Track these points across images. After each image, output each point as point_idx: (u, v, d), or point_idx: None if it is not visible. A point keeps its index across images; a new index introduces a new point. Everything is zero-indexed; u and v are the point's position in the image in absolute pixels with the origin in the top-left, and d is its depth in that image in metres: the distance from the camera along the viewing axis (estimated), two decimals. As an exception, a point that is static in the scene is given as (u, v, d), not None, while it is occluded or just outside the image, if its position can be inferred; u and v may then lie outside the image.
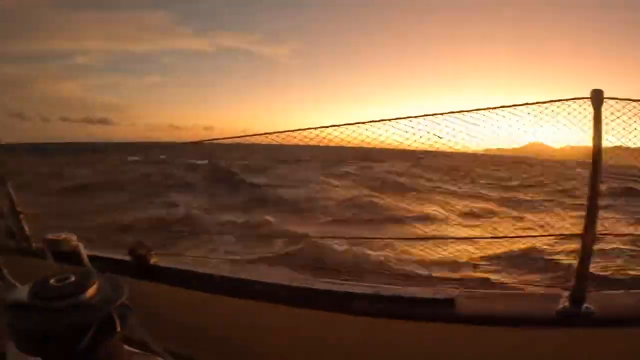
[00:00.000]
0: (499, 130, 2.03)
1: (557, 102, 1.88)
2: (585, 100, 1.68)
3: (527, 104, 2.00)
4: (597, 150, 1.73)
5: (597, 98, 1.68)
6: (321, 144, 2.22)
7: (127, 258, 2.46)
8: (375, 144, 2.18)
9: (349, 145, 2.19)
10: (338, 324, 1.97)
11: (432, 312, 1.87)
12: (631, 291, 1.81)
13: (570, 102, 1.74)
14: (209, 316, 2.23)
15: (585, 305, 1.64)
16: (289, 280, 2.21)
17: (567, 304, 1.65)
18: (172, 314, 2.20)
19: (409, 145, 2.16)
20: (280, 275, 2.52)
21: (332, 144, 2.22)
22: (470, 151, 2.43)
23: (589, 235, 1.65)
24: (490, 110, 2.09)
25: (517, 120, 2.06)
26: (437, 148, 2.23)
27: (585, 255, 1.68)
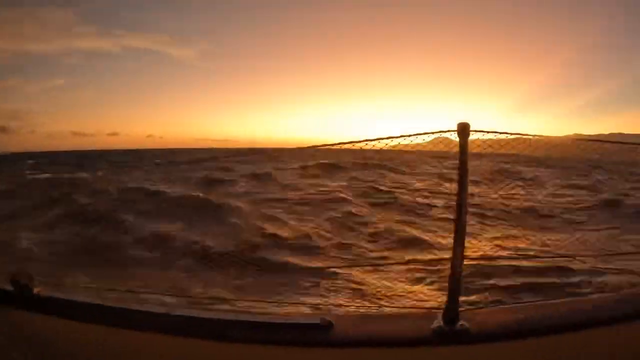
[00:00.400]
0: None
1: (430, 134, 2.00)
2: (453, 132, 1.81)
3: (402, 135, 2.07)
4: (463, 178, 1.79)
5: (463, 132, 1.80)
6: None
7: (9, 287, 2.16)
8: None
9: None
10: (216, 353, 1.90)
11: (308, 337, 1.84)
12: (505, 306, 1.91)
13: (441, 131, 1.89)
14: (92, 349, 2.04)
15: (460, 322, 1.68)
16: (168, 308, 2.03)
17: (441, 322, 1.68)
18: (54, 347, 2.02)
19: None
20: (161, 304, 2.30)
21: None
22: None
23: (457, 256, 1.71)
24: (369, 141, 2.16)
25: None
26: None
27: (455, 273, 1.73)
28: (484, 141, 1.90)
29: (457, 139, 1.84)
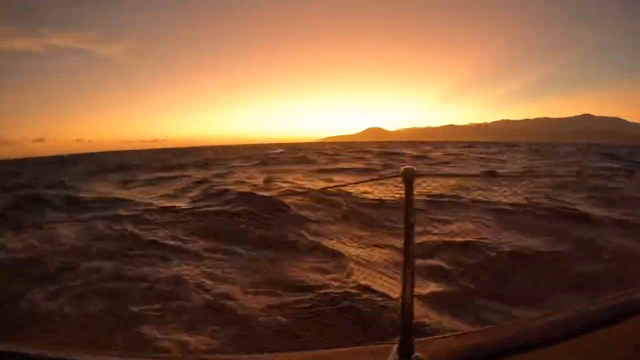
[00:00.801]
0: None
1: (378, 180, 2.02)
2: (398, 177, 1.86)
3: (356, 182, 2.07)
4: (409, 223, 1.80)
5: (408, 176, 1.82)
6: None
7: None
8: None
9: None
10: None
11: None
12: (458, 334, 1.95)
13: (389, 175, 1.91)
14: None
15: (414, 355, 1.69)
16: None
17: (396, 356, 1.69)
18: None
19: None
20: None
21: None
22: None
23: (408, 287, 1.74)
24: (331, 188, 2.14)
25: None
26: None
27: (406, 304, 1.73)
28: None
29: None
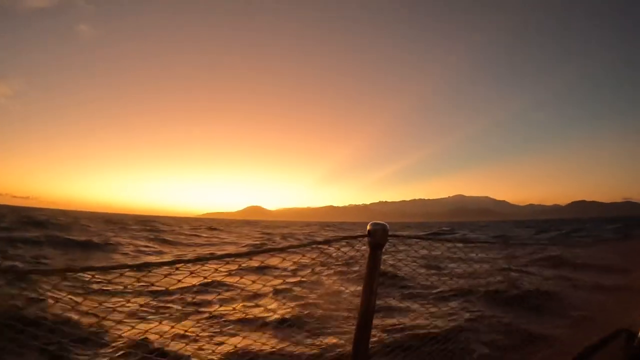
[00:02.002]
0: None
1: (341, 240, 2.27)
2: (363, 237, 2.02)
3: (316, 243, 2.31)
4: (371, 281, 1.96)
5: (375, 235, 1.94)
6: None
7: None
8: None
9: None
10: None
11: None
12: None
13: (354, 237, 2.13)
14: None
15: None
16: None
17: None
18: None
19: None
20: None
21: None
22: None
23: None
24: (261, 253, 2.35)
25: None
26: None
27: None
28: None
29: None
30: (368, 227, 1.93)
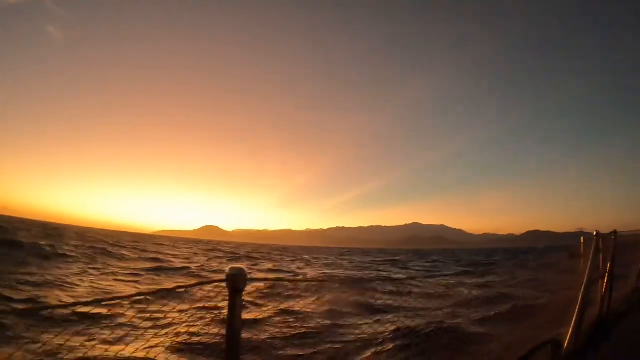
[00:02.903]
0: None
1: (195, 286, 2.16)
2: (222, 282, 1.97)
3: (177, 287, 2.20)
4: (233, 330, 1.96)
5: (234, 280, 1.90)
6: None
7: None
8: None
9: None
10: None
11: None
12: None
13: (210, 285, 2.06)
14: None
15: None
16: None
17: None
18: None
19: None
20: None
21: None
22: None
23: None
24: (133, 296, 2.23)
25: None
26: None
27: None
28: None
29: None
30: (226, 271, 1.87)
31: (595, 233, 5.71)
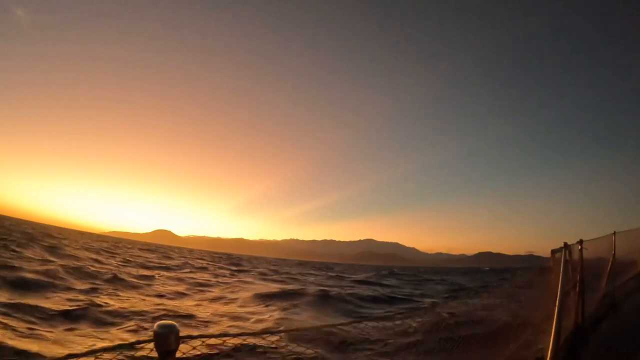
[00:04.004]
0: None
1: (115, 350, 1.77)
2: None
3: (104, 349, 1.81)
4: None
5: (163, 340, 1.58)
6: None
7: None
8: None
9: None
10: None
11: None
12: None
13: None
14: None
15: None
16: None
17: None
18: None
19: None
20: None
21: None
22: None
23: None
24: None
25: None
26: None
27: None
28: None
29: None
30: (154, 328, 1.51)
31: (563, 244, 5.80)
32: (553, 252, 5.68)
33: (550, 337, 4.64)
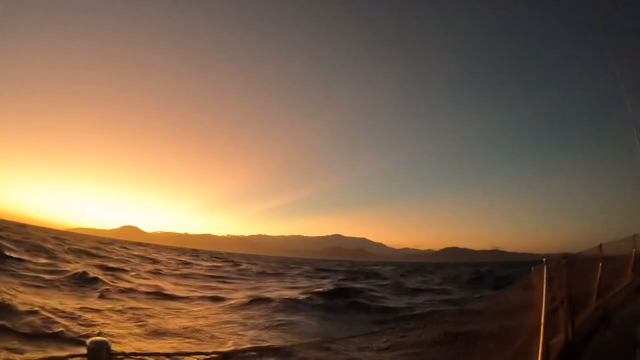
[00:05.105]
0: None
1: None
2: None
3: None
4: None
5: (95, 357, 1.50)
6: None
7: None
8: None
9: None
10: None
11: None
12: None
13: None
14: None
15: None
16: None
17: None
18: None
19: None
20: None
21: None
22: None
23: None
24: None
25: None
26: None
27: None
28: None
29: None
30: (87, 343, 1.45)
31: (544, 260, 5.68)
32: (535, 269, 5.60)
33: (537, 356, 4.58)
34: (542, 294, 5.26)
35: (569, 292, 6.42)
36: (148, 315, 18.01)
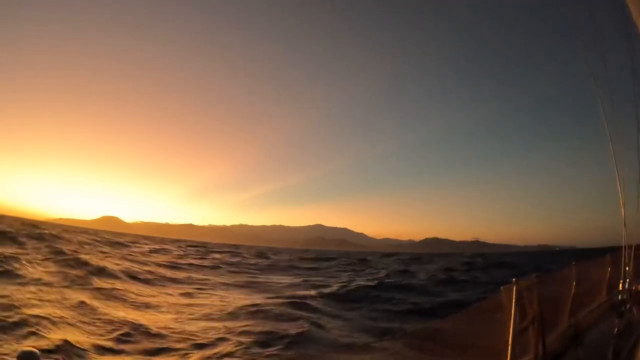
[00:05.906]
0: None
1: None
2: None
3: None
4: None
5: None
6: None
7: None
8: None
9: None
10: None
11: None
12: None
13: None
14: None
15: None
16: None
17: None
18: None
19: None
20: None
21: None
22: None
23: None
24: None
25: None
26: None
27: None
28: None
29: None
30: (18, 353, 1.43)
31: (513, 280, 5.64)
32: (504, 289, 5.58)
33: None
34: (511, 313, 5.27)
35: (541, 310, 6.40)
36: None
